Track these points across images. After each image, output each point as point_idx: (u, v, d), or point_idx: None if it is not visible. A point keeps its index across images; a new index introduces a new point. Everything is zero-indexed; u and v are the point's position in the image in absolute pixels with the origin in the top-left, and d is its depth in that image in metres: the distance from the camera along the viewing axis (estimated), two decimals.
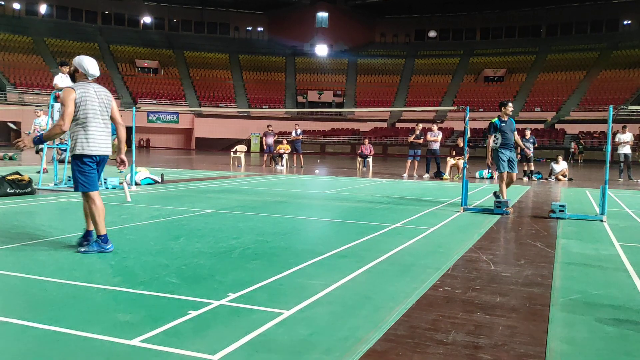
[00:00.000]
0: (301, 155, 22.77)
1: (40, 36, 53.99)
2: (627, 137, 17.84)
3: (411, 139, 18.07)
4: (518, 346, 3.01)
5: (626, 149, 17.89)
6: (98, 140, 5.13)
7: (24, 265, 4.58)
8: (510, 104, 9.22)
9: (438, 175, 17.49)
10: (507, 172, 9.20)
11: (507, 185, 9.34)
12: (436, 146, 17.91)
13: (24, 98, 45.26)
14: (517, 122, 46.17)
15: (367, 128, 50.27)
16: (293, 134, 22.58)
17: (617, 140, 18.04)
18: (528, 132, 18.12)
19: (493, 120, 9.22)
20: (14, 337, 2.96)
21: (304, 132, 24.46)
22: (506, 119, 9.19)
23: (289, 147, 22.61)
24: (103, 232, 5.08)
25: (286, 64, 62.05)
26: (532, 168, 17.82)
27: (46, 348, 2.81)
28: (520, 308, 3.71)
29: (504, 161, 9.15)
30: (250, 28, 66.47)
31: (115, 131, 5.44)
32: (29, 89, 46.45)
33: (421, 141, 17.95)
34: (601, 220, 7.98)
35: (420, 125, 18.39)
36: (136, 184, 11.65)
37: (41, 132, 13.44)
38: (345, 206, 9.37)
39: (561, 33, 59.80)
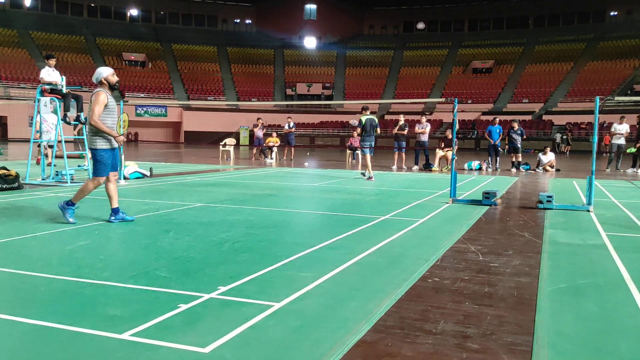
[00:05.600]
0: (292, 148, 22.75)
1: (26, 29, 53.36)
2: (623, 128, 17.94)
3: (395, 130, 18.06)
4: (506, 335, 3.05)
5: (621, 140, 18.01)
6: None
7: (13, 260, 4.55)
8: (368, 110, 13.15)
9: (427, 167, 17.55)
10: (368, 154, 12.97)
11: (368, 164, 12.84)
12: (425, 138, 17.95)
13: (9, 92, 44.75)
14: (505, 113, 46.19)
15: (356, 120, 50.24)
16: (286, 127, 22.54)
17: (612, 130, 18.16)
18: (516, 124, 18.21)
19: (362, 118, 12.99)
20: (3, 332, 2.95)
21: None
22: (368, 118, 12.95)
23: (278, 140, 22.57)
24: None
25: (275, 57, 61.83)
26: (520, 159, 17.93)
27: (36, 343, 2.81)
28: (508, 298, 3.75)
29: (367, 147, 13.01)
30: (238, 20, 66.11)
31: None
32: (14, 83, 45.93)
33: (405, 132, 17.94)
34: (588, 210, 8.06)
35: (403, 117, 18.36)
36: (125, 178, 11.59)
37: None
38: (335, 198, 9.38)
39: (548, 24, 60.10)
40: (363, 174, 13.26)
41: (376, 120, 13.33)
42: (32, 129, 11.57)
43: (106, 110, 6.32)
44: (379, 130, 13.45)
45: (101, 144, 6.33)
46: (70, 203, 6.33)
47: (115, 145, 6.49)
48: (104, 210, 7.29)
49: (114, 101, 6.51)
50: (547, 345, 2.90)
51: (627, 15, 56.73)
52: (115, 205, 6.46)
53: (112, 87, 6.46)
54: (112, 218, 6.43)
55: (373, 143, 13.24)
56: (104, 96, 6.27)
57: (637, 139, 17.90)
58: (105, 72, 6.45)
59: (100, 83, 6.42)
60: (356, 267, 4.47)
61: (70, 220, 6.25)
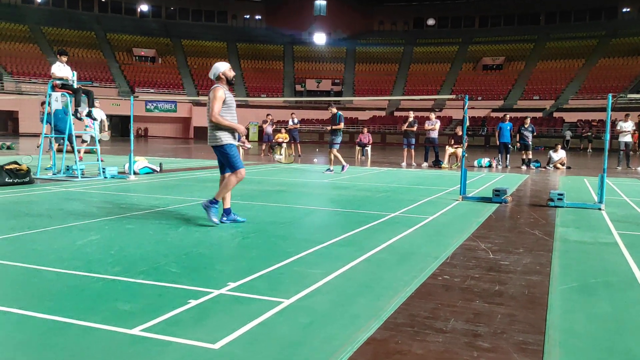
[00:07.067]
0: (299, 144, 22.74)
1: (37, 24, 53.66)
2: (628, 125, 17.83)
3: (404, 127, 17.99)
4: (517, 334, 3.02)
5: (627, 138, 17.89)
6: None
7: (23, 255, 4.58)
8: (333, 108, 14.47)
9: (437, 164, 17.49)
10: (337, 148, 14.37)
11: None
12: (434, 135, 17.88)
13: (20, 87, 45.07)
14: (516, 110, 45.91)
15: (365, 117, 50.15)
16: (290, 123, 22.54)
17: (618, 128, 18.03)
18: (528, 121, 18.10)
19: (338, 113, 14.26)
20: (14, 327, 2.97)
21: (302, 121, 24.42)
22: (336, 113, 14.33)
23: (287, 136, 22.58)
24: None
25: (284, 53, 61.79)
26: (530, 156, 17.82)
27: (47, 338, 2.82)
28: (519, 296, 3.73)
29: (337, 143, 14.39)
30: (248, 16, 66.10)
31: None
32: (26, 78, 46.24)
33: (414, 129, 17.85)
34: (599, 209, 7.99)
35: (412, 114, 18.27)
36: (135, 173, 11.64)
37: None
38: (344, 195, 9.37)
39: (560, 21, 59.58)
40: (329, 170, 14.26)
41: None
42: (44, 123, 11.61)
43: (224, 106, 6.12)
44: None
45: (226, 139, 6.13)
46: (214, 201, 6.11)
47: (236, 140, 6.26)
48: (113, 206, 7.32)
49: (232, 96, 6.25)
50: (559, 345, 2.88)
51: (639, 12, 56.12)
52: (227, 205, 6.27)
53: (229, 82, 6.23)
54: (224, 219, 6.21)
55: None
56: (221, 92, 6.05)
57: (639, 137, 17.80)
58: (222, 67, 6.21)
59: (218, 78, 6.21)
60: (366, 264, 4.46)
61: (214, 220, 6.03)
